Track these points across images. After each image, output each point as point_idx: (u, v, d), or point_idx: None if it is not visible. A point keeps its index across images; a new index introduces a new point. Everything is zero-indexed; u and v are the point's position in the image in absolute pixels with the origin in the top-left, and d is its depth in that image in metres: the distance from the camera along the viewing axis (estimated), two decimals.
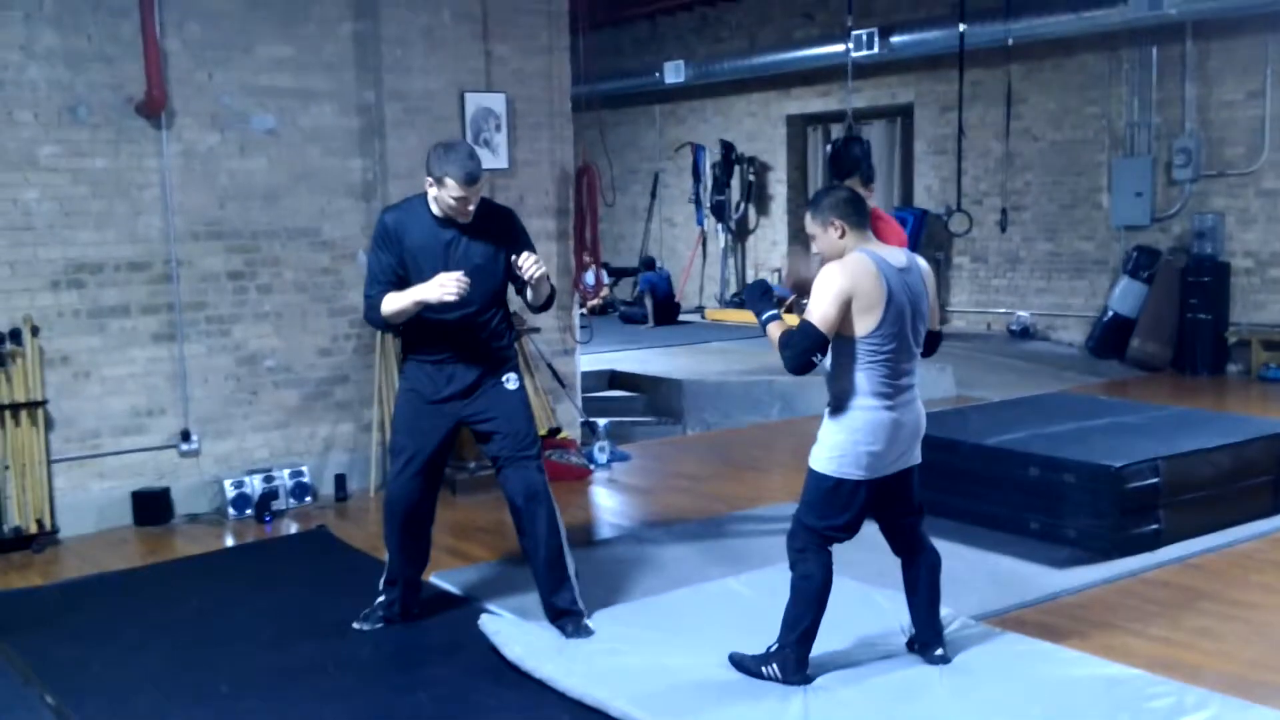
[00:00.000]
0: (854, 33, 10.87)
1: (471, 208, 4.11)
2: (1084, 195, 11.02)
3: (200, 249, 6.04)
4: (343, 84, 6.41)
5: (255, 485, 6.04)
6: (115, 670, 4.01)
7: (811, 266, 3.88)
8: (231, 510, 5.99)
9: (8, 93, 5.48)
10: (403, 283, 4.09)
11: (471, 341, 4.18)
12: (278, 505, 6.05)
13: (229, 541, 5.71)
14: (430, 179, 4.07)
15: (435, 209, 4.14)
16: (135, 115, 5.79)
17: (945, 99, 11.79)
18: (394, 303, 4.05)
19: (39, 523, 5.54)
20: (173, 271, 5.94)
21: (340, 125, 6.41)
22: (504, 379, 4.27)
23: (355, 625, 4.34)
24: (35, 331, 5.57)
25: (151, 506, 5.88)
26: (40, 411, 5.58)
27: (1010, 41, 10.48)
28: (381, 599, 4.39)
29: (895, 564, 4.90)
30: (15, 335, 5.51)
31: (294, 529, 5.87)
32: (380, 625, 4.34)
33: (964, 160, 11.14)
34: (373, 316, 4.17)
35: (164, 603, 4.71)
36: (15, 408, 5.50)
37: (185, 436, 6.02)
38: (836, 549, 3.78)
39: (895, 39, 11.41)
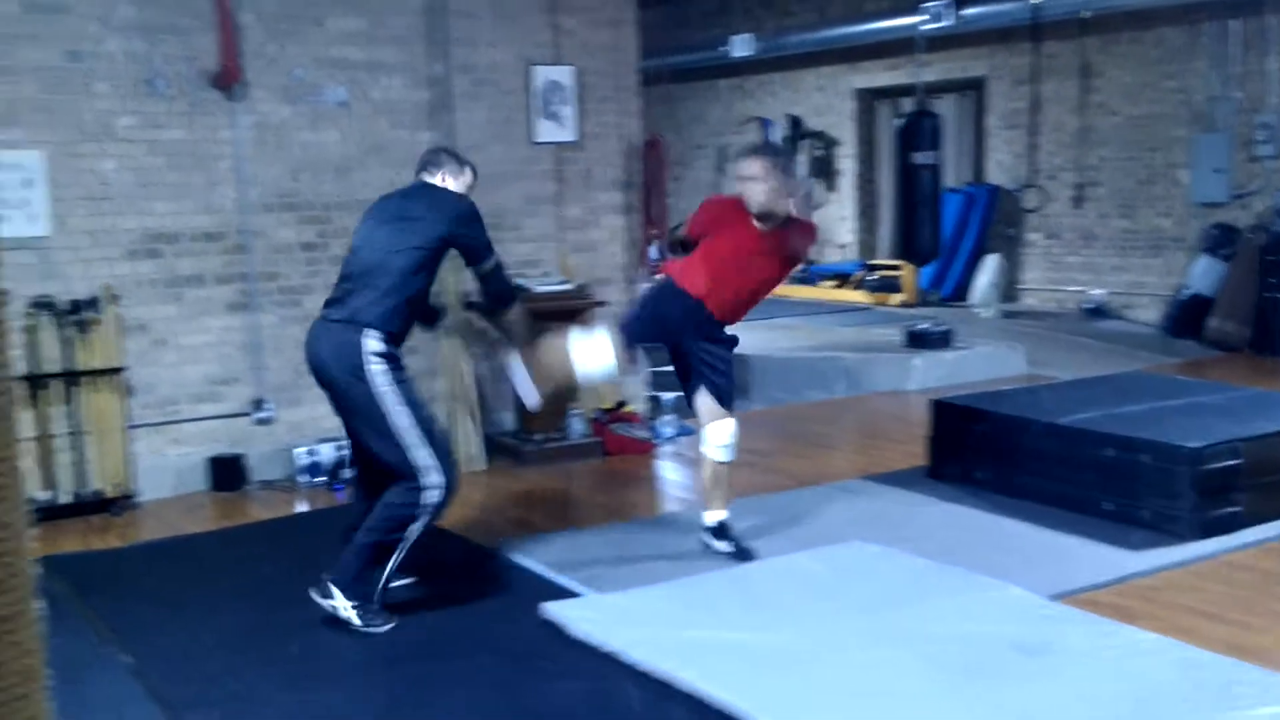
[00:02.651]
0: (925, 4, 10.70)
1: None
2: (1161, 171, 10.76)
3: (273, 220, 6.11)
4: (412, 57, 6.44)
5: (326, 453, 6.12)
6: (189, 631, 4.10)
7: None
8: (303, 477, 6.08)
9: (86, 64, 5.57)
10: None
11: None
12: (347, 473, 6.12)
13: (301, 508, 5.80)
14: (468, 169, 4.41)
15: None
16: (210, 87, 5.86)
17: (1019, 72, 11.57)
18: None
19: (118, 486, 5.66)
20: (246, 242, 6.02)
21: (409, 98, 6.45)
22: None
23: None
24: (114, 299, 5.68)
25: (226, 472, 5.98)
26: (119, 378, 5.69)
27: (1087, 13, 10.25)
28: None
29: (959, 541, 4.87)
30: (95, 303, 5.62)
31: None
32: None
33: (1038, 135, 10.94)
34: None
35: (237, 566, 4.81)
36: (95, 374, 5.61)
37: (258, 404, 6.12)
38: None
39: (968, 11, 11.19)
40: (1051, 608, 4.07)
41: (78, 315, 5.57)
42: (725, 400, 4.88)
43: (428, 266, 4.19)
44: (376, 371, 4.00)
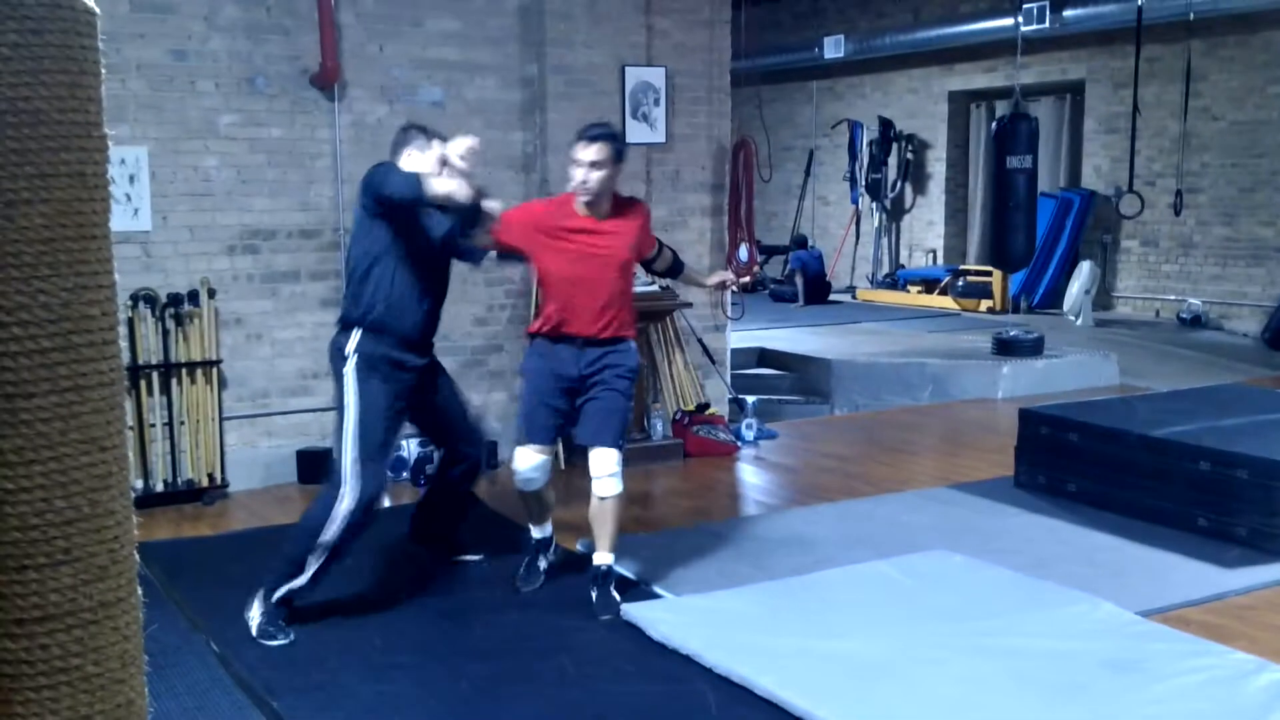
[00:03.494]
0: (1024, 6, 10.52)
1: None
2: (1265, 178, 10.45)
3: None
4: (507, 57, 6.50)
5: (411, 449, 6.21)
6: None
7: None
8: (388, 473, 6.17)
9: (191, 63, 5.72)
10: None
11: None
12: (432, 469, 6.21)
13: (385, 503, 5.88)
14: (435, 141, 4.29)
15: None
16: (310, 86, 5.98)
17: (1119, 76, 11.32)
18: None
19: (210, 476, 5.81)
20: (341, 239, 6.13)
21: (503, 98, 6.51)
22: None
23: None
24: (212, 294, 5.83)
25: (315, 465, 6.09)
26: (214, 370, 5.84)
27: (1191, 16, 9.98)
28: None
29: (1047, 554, 4.78)
30: (193, 296, 5.77)
31: None
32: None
33: (1137, 140, 10.69)
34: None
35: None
36: (192, 366, 5.77)
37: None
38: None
39: (1068, 13, 10.98)
40: (1142, 625, 3.98)
41: (176, 308, 5.72)
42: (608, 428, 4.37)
43: (375, 251, 4.11)
44: (347, 369, 4.07)
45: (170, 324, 5.72)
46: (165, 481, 5.74)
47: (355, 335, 4.11)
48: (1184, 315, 10.94)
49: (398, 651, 3.91)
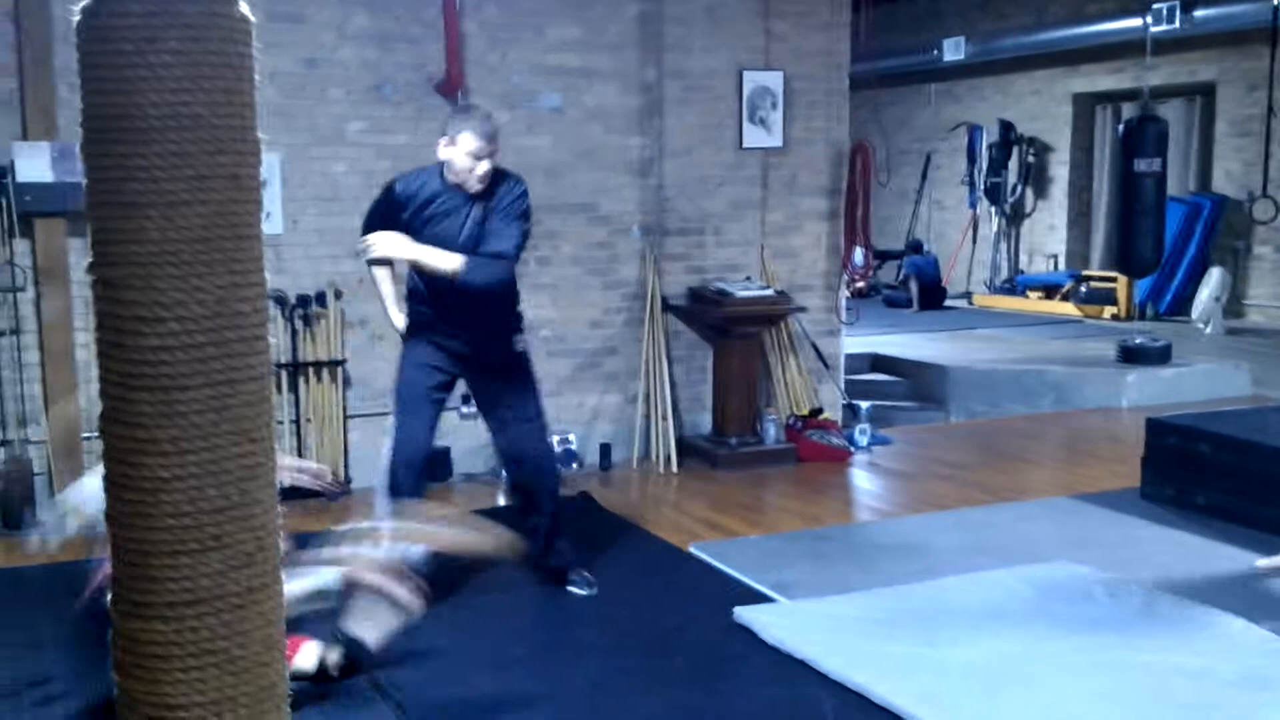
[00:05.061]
0: (1153, 6, 10.22)
1: (481, 172, 4.11)
2: None
3: None
4: (625, 63, 6.56)
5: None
6: None
7: None
8: (504, 472, 6.27)
9: (322, 71, 5.90)
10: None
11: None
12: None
13: (500, 501, 5.99)
14: (445, 139, 4.14)
15: (448, 175, 4.21)
16: (434, 94, 6.12)
17: (1252, 77, 10.92)
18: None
19: (334, 473, 5.97)
20: None
21: (621, 104, 6.57)
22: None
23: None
24: (338, 295, 6.00)
25: (434, 464, 6.21)
26: (339, 370, 6.01)
27: None
28: None
29: (1175, 568, 4.64)
30: (321, 298, 5.95)
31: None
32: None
33: (1272, 143, 10.28)
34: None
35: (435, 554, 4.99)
36: (318, 365, 5.94)
37: (466, 400, 6.34)
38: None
39: (1198, 13, 10.63)
40: (1276, 642, 3.84)
41: (304, 309, 5.90)
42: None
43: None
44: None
45: (298, 324, 5.91)
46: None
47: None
48: None
49: (516, 645, 3.98)
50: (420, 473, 4.34)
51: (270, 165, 5.77)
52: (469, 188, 4.17)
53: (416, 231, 4.20)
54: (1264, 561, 4.68)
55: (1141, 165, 8.80)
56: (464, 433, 6.36)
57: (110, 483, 1.66)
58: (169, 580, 1.63)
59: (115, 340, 1.60)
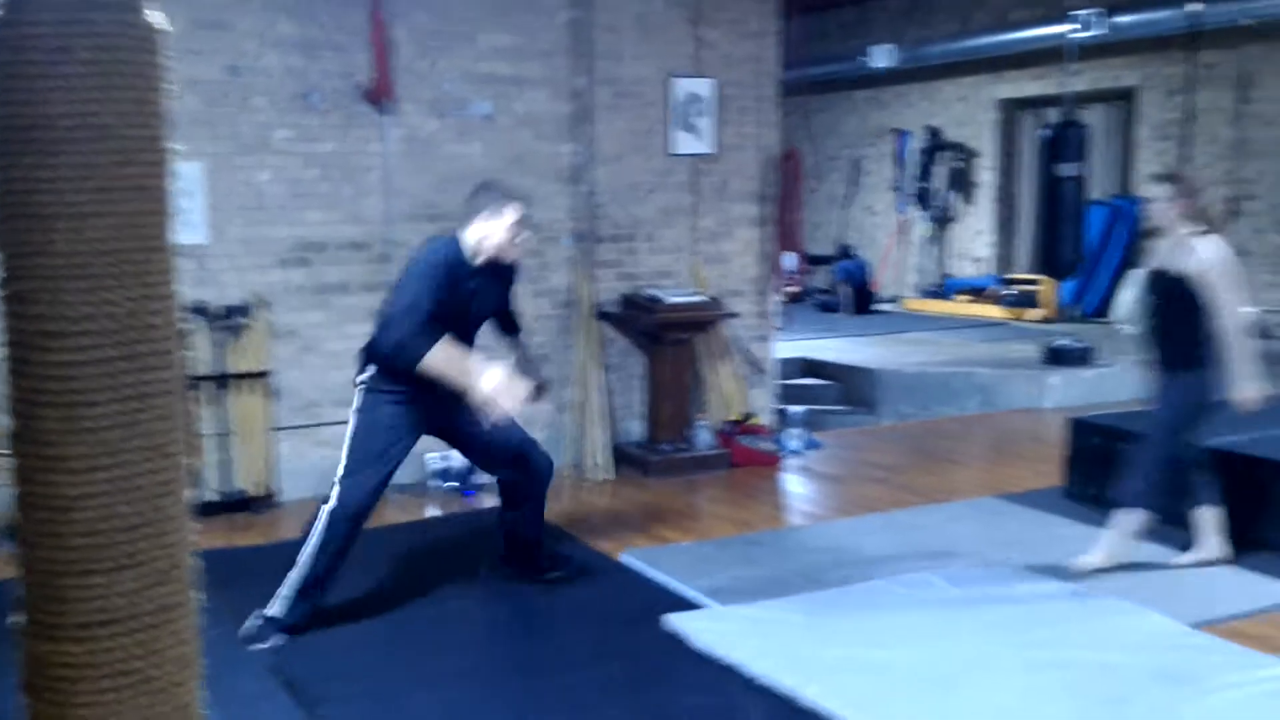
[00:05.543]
0: (1076, 13, 10.43)
1: (521, 240, 4.33)
2: None
3: (417, 230, 6.27)
4: (556, 70, 6.55)
5: (457, 459, 6.25)
6: (325, 628, 4.22)
7: None
8: (434, 482, 6.24)
9: (245, 79, 5.82)
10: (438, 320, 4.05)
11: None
12: (477, 479, 6.26)
13: (431, 512, 5.95)
14: (486, 214, 4.19)
15: (467, 252, 4.22)
16: (362, 101, 6.07)
17: (1172, 82, 11.19)
18: (445, 364, 3.98)
19: (261, 486, 5.89)
20: (391, 252, 6.21)
21: (552, 110, 6.57)
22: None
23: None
24: (264, 306, 5.92)
25: None
26: (266, 381, 5.93)
27: (1248, 21, 9.85)
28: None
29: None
30: (246, 309, 5.86)
31: (492, 503, 6.05)
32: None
33: (1191, 147, 10.56)
34: (413, 352, 3.98)
35: (368, 567, 4.93)
36: (244, 377, 5.86)
37: None
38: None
39: (1120, 19, 10.87)
40: (1194, 636, 3.94)
41: (230, 320, 5.82)
42: None
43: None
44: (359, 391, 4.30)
45: (223, 335, 5.82)
46: (218, 491, 5.83)
47: (370, 370, 4.26)
48: None
49: (445, 660, 3.95)
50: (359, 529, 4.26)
51: (193, 175, 5.68)
52: (508, 257, 4.32)
53: (462, 304, 4.20)
54: (1186, 558, 4.78)
55: (1064, 169, 8.98)
56: None
57: (21, 502, 1.62)
58: (81, 600, 1.60)
59: (24, 356, 1.57)
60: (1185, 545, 4.84)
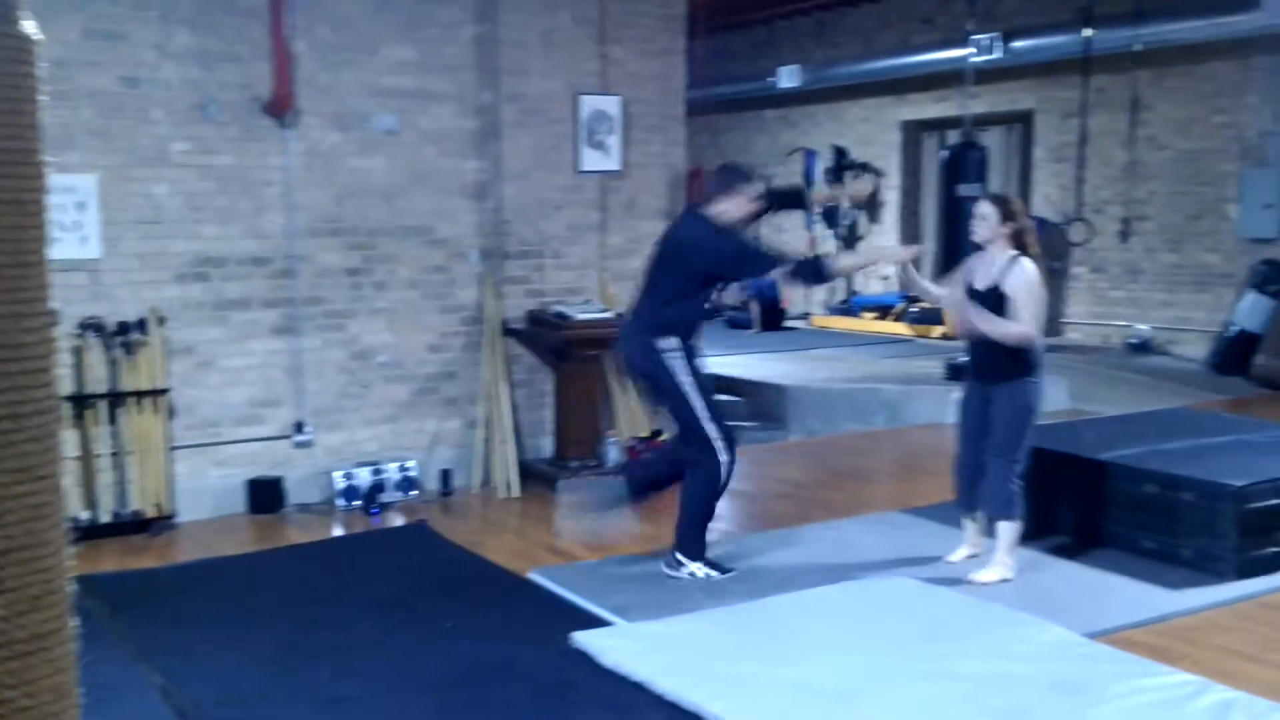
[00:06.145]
0: (975, 37, 10.69)
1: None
2: (1210, 206, 10.66)
3: (319, 245, 6.20)
4: (461, 86, 6.52)
5: (364, 478, 6.18)
6: (220, 653, 4.13)
7: None
8: (340, 501, 6.14)
9: (143, 90, 5.69)
10: (706, 279, 4.92)
11: None
12: (385, 498, 6.19)
13: (337, 532, 5.85)
14: (736, 190, 4.88)
15: (721, 219, 4.90)
16: (262, 114, 5.97)
17: (1068, 105, 11.52)
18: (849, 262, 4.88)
19: (158, 507, 5.74)
20: (292, 267, 6.11)
21: (457, 126, 6.53)
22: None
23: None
24: (161, 322, 5.78)
25: (265, 495, 6.05)
26: (163, 399, 5.78)
27: (1138, 47, 10.19)
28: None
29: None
30: (142, 325, 5.72)
31: (399, 522, 5.98)
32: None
33: (1085, 168, 10.87)
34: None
35: (271, 589, 4.85)
36: (140, 395, 5.71)
37: (299, 428, 6.19)
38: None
39: (1017, 44, 11.17)
40: (1089, 646, 4.03)
41: (125, 337, 5.67)
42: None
43: (689, 289, 4.91)
44: (672, 359, 4.80)
45: (118, 352, 5.66)
46: (112, 513, 5.66)
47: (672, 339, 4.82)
48: (1132, 340, 11.10)
49: (346, 684, 3.87)
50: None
51: (87, 187, 5.53)
52: (740, 227, 4.96)
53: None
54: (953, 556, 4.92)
55: (964, 190, 9.18)
56: (298, 462, 6.19)
57: None
58: None
59: None
60: (1056, 549, 5.07)
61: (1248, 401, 9.02)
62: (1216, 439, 5.70)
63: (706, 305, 5.03)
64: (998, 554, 4.80)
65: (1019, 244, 4.72)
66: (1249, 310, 9.87)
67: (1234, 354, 9.93)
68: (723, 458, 4.83)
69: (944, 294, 4.99)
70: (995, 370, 4.74)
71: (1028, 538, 5.09)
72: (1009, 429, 4.71)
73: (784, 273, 4.90)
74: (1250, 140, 10.26)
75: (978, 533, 5.02)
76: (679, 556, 4.92)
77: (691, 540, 4.91)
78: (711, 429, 4.82)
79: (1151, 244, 11.12)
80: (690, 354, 4.85)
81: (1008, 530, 4.78)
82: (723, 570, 4.91)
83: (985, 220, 4.71)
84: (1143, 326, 11.14)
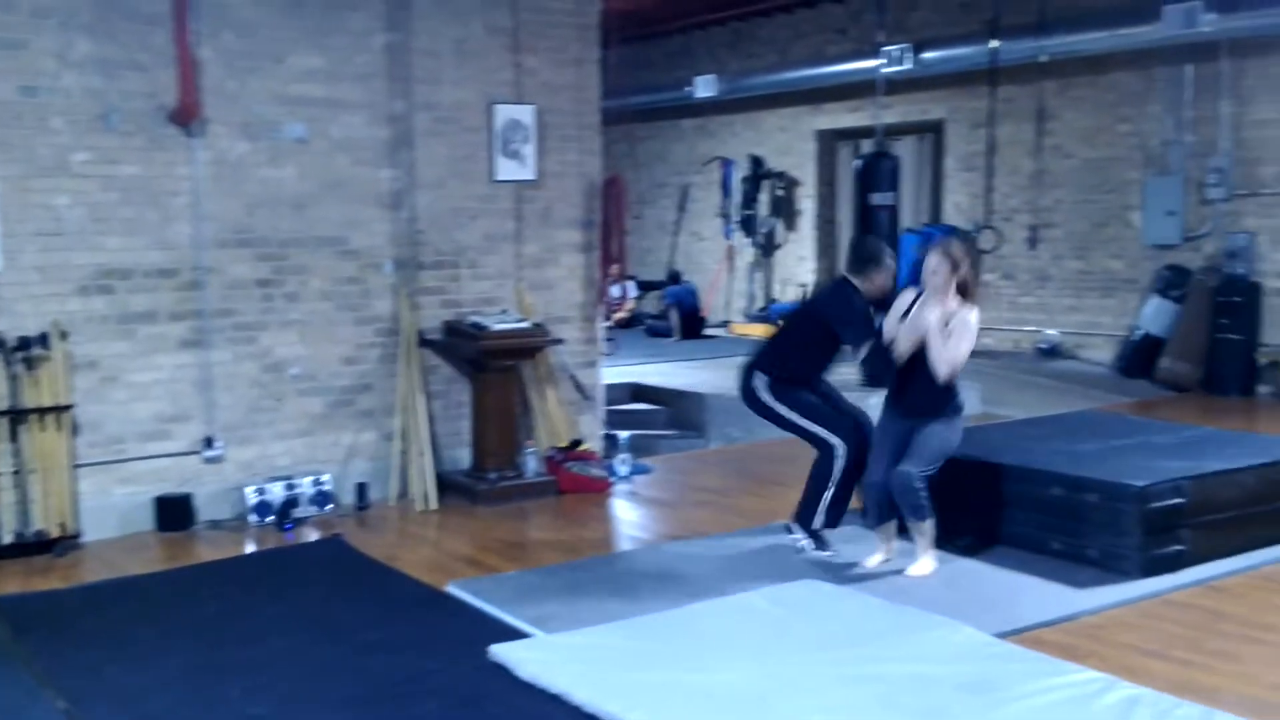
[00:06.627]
0: (886, 48, 10.85)
1: None
2: (1115, 213, 10.93)
3: (228, 256, 6.09)
4: (373, 94, 6.45)
5: (277, 493, 6.07)
6: (128, 674, 4.03)
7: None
8: (253, 517, 6.02)
9: (42, 99, 5.55)
10: (835, 340, 5.36)
11: None
12: (299, 513, 6.08)
13: (249, 548, 5.74)
14: (880, 267, 5.39)
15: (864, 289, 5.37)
16: (167, 123, 5.85)
17: (976, 115, 11.74)
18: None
19: (62, 526, 5.59)
20: (201, 278, 5.99)
21: (370, 135, 6.46)
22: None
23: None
24: (64, 336, 5.63)
25: (174, 512, 5.91)
26: (66, 416, 5.63)
27: (1043, 58, 10.43)
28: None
29: (911, 579, 4.90)
30: (44, 339, 5.56)
31: (314, 537, 5.89)
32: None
33: (994, 177, 11.09)
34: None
35: (181, 608, 4.74)
36: (42, 412, 5.55)
37: (209, 443, 6.06)
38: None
39: (927, 55, 11.37)
40: (998, 646, 4.09)
41: (26, 352, 5.51)
42: None
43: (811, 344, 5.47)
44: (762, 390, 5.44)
45: (19, 368, 5.50)
46: (14, 533, 5.49)
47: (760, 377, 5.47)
48: (1041, 345, 11.33)
49: (258, 702, 3.79)
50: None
51: None
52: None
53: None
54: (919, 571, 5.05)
55: (877, 198, 9.32)
56: (208, 478, 6.07)
57: None
58: None
59: None
60: (967, 551, 5.23)
61: (1153, 403, 9.26)
62: (1121, 441, 5.84)
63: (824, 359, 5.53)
64: (922, 551, 5.03)
65: (962, 290, 4.95)
66: (1153, 315, 10.14)
67: (1139, 357, 10.20)
68: (835, 443, 5.30)
69: (912, 323, 4.99)
70: (927, 406, 4.98)
71: (939, 541, 5.17)
72: (935, 450, 4.96)
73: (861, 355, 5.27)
74: (1153, 149, 10.55)
75: (889, 539, 5.14)
76: (791, 524, 5.45)
77: (804, 512, 5.40)
78: (816, 428, 5.37)
79: (1059, 251, 11.37)
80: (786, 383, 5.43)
81: (928, 529, 4.98)
82: (823, 545, 5.33)
83: (937, 274, 4.94)
84: (1051, 331, 11.39)
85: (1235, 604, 4.64)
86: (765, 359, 5.54)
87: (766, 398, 5.46)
